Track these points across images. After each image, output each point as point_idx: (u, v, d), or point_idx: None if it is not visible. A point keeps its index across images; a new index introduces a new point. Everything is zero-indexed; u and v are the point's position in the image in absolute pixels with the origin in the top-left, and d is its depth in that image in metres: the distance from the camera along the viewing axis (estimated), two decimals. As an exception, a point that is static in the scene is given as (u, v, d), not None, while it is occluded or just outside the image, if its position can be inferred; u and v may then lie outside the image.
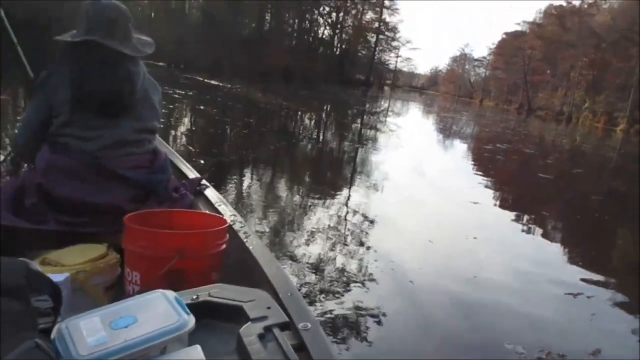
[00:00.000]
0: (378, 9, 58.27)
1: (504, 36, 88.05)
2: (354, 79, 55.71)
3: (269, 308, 1.00)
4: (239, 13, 33.96)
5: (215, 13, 35.80)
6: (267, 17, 41.98)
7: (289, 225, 4.04)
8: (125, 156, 1.65)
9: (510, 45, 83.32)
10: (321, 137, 11.15)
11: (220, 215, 1.62)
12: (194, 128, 9.36)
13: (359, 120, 16.33)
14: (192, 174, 2.16)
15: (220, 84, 18.69)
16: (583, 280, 3.75)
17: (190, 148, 6.84)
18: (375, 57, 62.89)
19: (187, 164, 2.28)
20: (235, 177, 5.71)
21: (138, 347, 0.77)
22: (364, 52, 61.96)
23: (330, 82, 40.10)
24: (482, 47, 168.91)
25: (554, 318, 3.05)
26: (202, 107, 11.67)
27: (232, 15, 32.86)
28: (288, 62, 34.17)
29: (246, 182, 5.59)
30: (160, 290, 0.92)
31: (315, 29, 53.98)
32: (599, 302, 3.41)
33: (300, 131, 11.64)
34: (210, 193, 1.95)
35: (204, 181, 2.04)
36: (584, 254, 4.78)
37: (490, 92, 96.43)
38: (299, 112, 15.50)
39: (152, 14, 34.80)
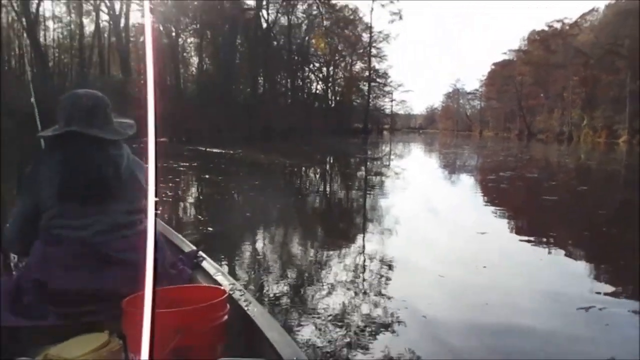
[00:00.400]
0: (366, 58, 59.73)
1: (493, 67, 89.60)
2: (352, 128, 56.50)
3: None
4: (232, 80, 34.97)
5: (209, 83, 36.95)
6: (260, 80, 43.16)
7: (304, 281, 4.06)
8: (119, 239, 1.66)
9: (500, 75, 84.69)
10: (327, 190, 11.29)
11: (220, 286, 1.62)
12: (201, 197, 9.61)
13: (363, 168, 16.55)
14: (187, 247, 2.15)
15: (223, 151, 19.10)
16: (597, 293, 3.81)
17: (199, 217, 7.07)
18: (370, 104, 63.97)
19: (182, 237, 2.27)
20: (244, 241, 5.76)
21: None
22: (358, 100, 63.12)
23: (329, 134, 40.72)
24: (473, 80, 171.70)
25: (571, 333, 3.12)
26: (207, 176, 11.96)
27: (226, 83, 33.84)
28: (286, 121, 34.88)
29: (257, 244, 5.67)
30: None
31: (308, 85, 55.39)
32: (616, 314, 3.45)
33: (306, 186, 11.79)
34: (208, 265, 1.95)
35: (200, 253, 2.04)
36: (594, 270, 4.82)
37: (488, 122, 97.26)
38: (303, 168, 15.73)
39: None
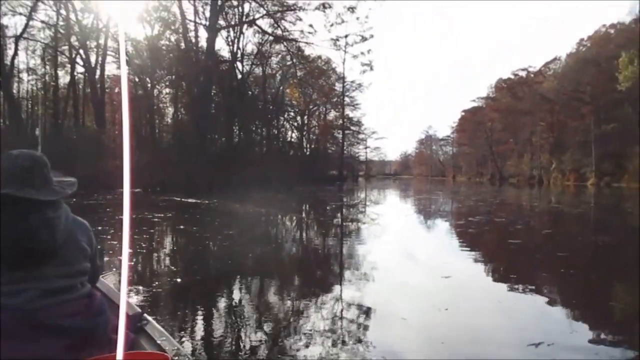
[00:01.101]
0: (340, 107, 60.95)
1: (463, 113, 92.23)
2: (328, 175, 57.05)
3: None
4: (207, 130, 35.23)
5: (184, 133, 37.14)
6: (235, 130, 43.55)
7: (280, 332, 4.06)
8: (58, 305, 1.58)
9: (471, 121, 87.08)
10: (303, 238, 11.34)
11: (163, 353, 1.57)
12: (175, 248, 9.56)
13: (338, 215, 16.66)
14: (132, 310, 2.07)
15: (198, 201, 19.05)
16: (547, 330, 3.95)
17: (172, 267, 7.04)
18: (345, 151, 64.93)
19: (126, 299, 2.21)
20: (216, 291, 5.76)
21: None
22: (333, 148, 64.04)
23: (305, 181, 40.99)
24: (444, 126, 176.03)
25: None
26: (181, 227, 11.92)
27: (201, 133, 34.06)
28: (261, 169, 35.07)
29: (230, 294, 5.69)
30: None
31: (284, 133, 56.10)
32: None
33: (282, 235, 11.84)
34: (152, 328, 1.88)
35: (145, 315, 1.98)
36: (549, 307, 4.99)
37: (461, 167, 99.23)
38: (279, 216, 15.78)
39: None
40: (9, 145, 25.00)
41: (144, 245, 8.75)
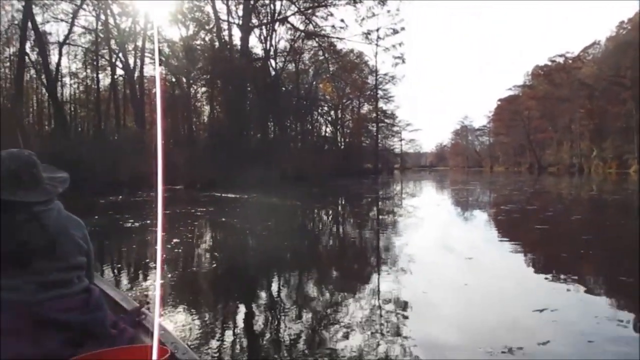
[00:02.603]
0: (373, 100, 60.89)
1: (499, 102, 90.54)
2: (363, 169, 57.07)
3: None
4: (243, 127, 35.88)
5: (220, 131, 37.95)
6: (270, 126, 44.15)
7: (319, 322, 4.09)
8: (56, 299, 1.59)
9: (507, 110, 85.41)
10: (339, 230, 11.63)
11: (163, 346, 1.59)
12: (217, 238, 10.06)
13: (374, 208, 16.84)
14: (130, 305, 2.08)
15: (237, 196, 19.59)
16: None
17: (215, 254, 7.46)
18: (380, 144, 64.76)
19: (124, 294, 2.23)
20: (256, 278, 6.18)
21: None
22: (367, 141, 63.96)
23: (340, 175, 41.24)
24: (480, 116, 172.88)
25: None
26: (223, 219, 12.42)
27: (236, 130, 34.75)
28: (297, 164, 35.51)
29: (269, 281, 6.05)
30: None
31: (318, 128, 56.44)
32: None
33: (319, 227, 12.15)
34: (151, 322, 1.87)
35: (143, 310, 1.99)
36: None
37: (498, 157, 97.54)
38: (315, 210, 16.10)
39: (162, 142, 36.86)
40: (57, 146, 26.18)
41: (189, 235, 9.26)
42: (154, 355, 1.26)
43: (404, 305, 4.50)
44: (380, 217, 13.46)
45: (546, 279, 5.50)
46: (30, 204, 1.62)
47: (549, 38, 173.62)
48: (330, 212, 15.84)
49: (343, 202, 20.11)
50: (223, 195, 20.07)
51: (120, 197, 19.51)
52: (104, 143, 31.30)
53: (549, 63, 74.20)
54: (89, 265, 1.83)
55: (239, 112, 35.47)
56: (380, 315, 4.20)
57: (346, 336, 3.73)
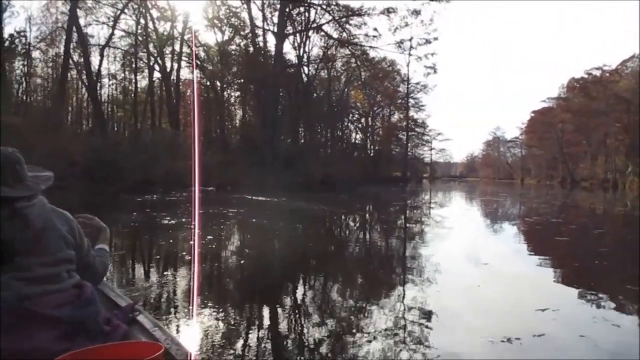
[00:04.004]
0: (404, 109, 61.04)
1: (533, 114, 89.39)
2: (392, 177, 57.22)
3: None
4: (273, 132, 36.57)
5: (251, 136, 38.81)
6: (301, 131, 44.84)
7: (343, 329, 4.13)
8: (46, 294, 1.58)
9: (541, 122, 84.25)
10: (366, 237, 11.86)
11: (156, 342, 1.60)
12: (248, 236, 10.63)
13: (401, 216, 16.95)
14: (123, 301, 2.09)
15: (267, 199, 20.18)
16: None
17: (246, 250, 7.97)
18: (409, 153, 64.84)
19: (117, 291, 2.25)
20: (282, 276, 6.66)
21: None
22: (397, 150, 64.12)
23: (368, 182, 41.54)
24: (512, 127, 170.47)
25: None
26: (254, 220, 12.99)
27: (268, 135, 35.47)
28: (326, 170, 36.00)
29: (295, 282, 6.54)
30: None
31: (348, 135, 56.96)
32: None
33: (345, 233, 12.46)
34: (144, 319, 1.90)
35: (137, 306, 1.99)
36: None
37: (529, 170, 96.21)
38: (342, 216, 16.44)
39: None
40: (95, 145, 27.26)
41: (222, 233, 9.83)
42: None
43: (416, 301, 4.89)
44: (407, 225, 13.77)
45: (555, 284, 5.98)
46: (12, 200, 1.62)
47: (586, 51, 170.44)
48: (357, 218, 16.23)
49: (370, 209, 20.46)
50: (253, 197, 20.67)
51: (155, 196, 20.30)
52: (140, 143, 32.37)
53: (586, 76, 72.99)
54: (84, 263, 1.83)
55: (271, 117, 36.23)
56: (404, 321, 4.27)
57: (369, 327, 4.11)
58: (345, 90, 52.61)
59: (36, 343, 1.48)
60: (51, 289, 1.59)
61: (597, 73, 70.54)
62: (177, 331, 3.86)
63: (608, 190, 50.41)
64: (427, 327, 4.09)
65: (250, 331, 4.05)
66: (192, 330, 4.03)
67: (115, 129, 42.44)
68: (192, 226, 9.60)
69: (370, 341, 3.75)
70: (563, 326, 4.11)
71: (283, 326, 4.29)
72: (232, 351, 3.53)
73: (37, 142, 19.77)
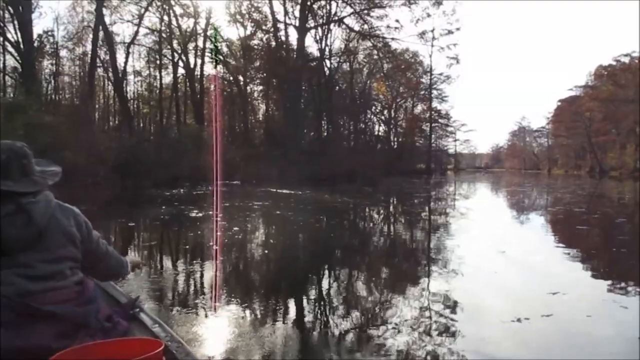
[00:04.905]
0: (428, 100, 60.70)
1: (559, 103, 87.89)
2: (415, 169, 57.00)
3: None
4: (296, 126, 36.88)
5: (274, 130, 39.22)
6: (323, 124, 45.05)
7: (367, 321, 4.19)
8: (47, 291, 1.57)
9: (568, 111, 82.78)
10: (390, 229, 11.93)
11: (156, 339, 1.60)
12: (273, 227, 10.96)
13: (426, 208, 16.87)
14: (124, 298, 2.10)
15: (291, 192, 20.50)
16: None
17: (270, 241, 8.28)
18: (433, 144, 64.48)
19: (118, 288, 2.24)
20: (304, 267, 6.93)
21: None
22: (421, 141, 63.80)
23: (392, 174, 41.58)
24: (538, 117, 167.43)
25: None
26: (278, 212, 13.33)
27: (290, 128, 35.80)
28: (349, 163, 36.18)
29: (318, 273, 6.79)
30: None
31: (371, 127, 56.95)
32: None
33: (369, 225, 12.59)
34: (145, 316, 1.91)
35: (137, 304, 2.00)
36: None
37: (556, 160, 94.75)
38: (366, 208, 16.51)
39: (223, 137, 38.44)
40: (122, 140, 27.97)
41: (247, 226, 10.19)
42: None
43: (439, 289, 5.12)
44: (431, 217, 13.89)
45: (569, 270, 6.18)
46: (17, 195, 1.60)
47: (613, 37, 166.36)
48: (381, 210, 16.42)
49: (394, 202, 20.58)
50: (277, 190, 21.02)
51: (182, 190, 20.82)
52: (165, 139, 33.05)
53: (614, 63, 71.42)
54: (95, 259, 1.82)
55: (294, 111, 36.55)
56: (428, 311, 4.34)
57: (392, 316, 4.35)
58: (368, 82, 52.59)
59: (36, 339, 1.48)
60: (53, 286, 1.58)
61: (626, 60, 68.95)
62: (199, 322, 4.03)
63: (638, 179, 49.42)
64: (448, 316, 4.21)
65: (273, 322, 4.10)
66: (214, 321, 4.14)
67: (141, 125, 43.19)
68: (215, 219, 9.88)
69: (396, 332, 3.77)
70: (571, 308, 4.36)
71: (306, 317, 4.34)
72: (253, 342, 3.59)
73: (68, 140, 20.46)
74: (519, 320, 3.91)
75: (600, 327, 3.77)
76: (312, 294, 5.35)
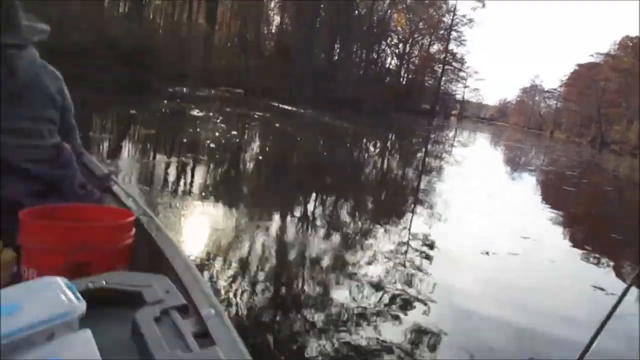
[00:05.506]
0: (445, 40, 59.28)
1: (577, 67, 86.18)
2: (420, 109, 56.60)
3: (167, 292, 0.95)
4: (310, 44, 36.13)
5: (286, 44, 38.36)
6: (336, 48, 44.13)
7: (346, 247, 4.26)
8: (25, 148, 1.55)
9: (584, 77, 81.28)
10: (383, 163, 11.82)
11: (128, 210, 1.60)
12: (271, 137, 11.18)
13: (423, 150, 16.70)
14: (99, 170, 2.07)
15: (294, 109, 20.47)
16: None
17: (266, 149, 8.43)
18: (442, 87, 63.70)
19: (94, 160, 2.21)
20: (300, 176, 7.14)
21: (19, 334, 0.73)
22: (430, 82, 62.95)
23: (396, 111, 41.35)
24: (553, 78, 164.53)
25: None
26: (277, 125, 13.44)
27: (304, 45, 35.08)
28: (356, 91, 35.83)
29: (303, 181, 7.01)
30: (49, 277, 0.87)
31: (383, 59, 55.85)
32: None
33: (364, 155, 12.54)
34: (119, 189, 1.90)
35: (112, 177, 1.97)
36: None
37: (561, 124, 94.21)
38: (364, 139, 16.41)
39: (228, 44, 37.63)
40: (131, 30, 27.29)
41: (245, 132, 10.36)
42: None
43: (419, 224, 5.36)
44: (425, 159, 13.82)
45: (545, 219, 6.65)
46: (3, 49, 1.52)
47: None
48: (379, 143, 16.43)
49: (393, 137, 20.58)
50: (280, 105, 20.97)
51: (185, 89, 20.68)
52: (175, 35, 32.27)
53: (641, 35, 69.33)
54: (66, 125, 1.77)
55: (309, 28, 35.62)
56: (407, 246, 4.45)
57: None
58: (389, 12, 51.01)
59: (8, 193, 1.46)
60: (30, 144, 1.55)
61: (655, 34, 66.86)
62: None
63: (636, 156, 49.49)
64: (424, 252, 4.30)
65: (253, 229, 4.17)
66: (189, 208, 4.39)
67: (152, 16, 42.02)
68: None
69: (370, 262, 3.84)
70: (537, 251, 4.75)
71: (287, 230, 4.41)
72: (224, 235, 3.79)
73: (77, 21, 19.96)
74: (487, 253, 4.27)
75: (556, 266, 4.07)
76: (295, 208, 5.43)
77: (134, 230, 1.37)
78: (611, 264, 4.89)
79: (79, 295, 0.83)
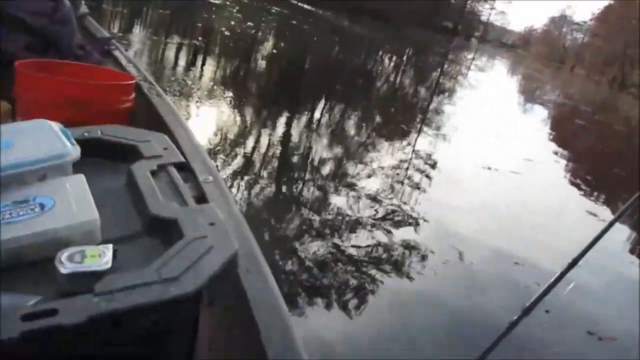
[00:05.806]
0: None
1: (612, 2, 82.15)
2: (442, 26, 54.52)
3: (165, 149, 0.92)
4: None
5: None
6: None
7: (343, 156, 4.21)
8: (27, 1, 1.50)
9: (618, 13, 77.76)
10: (396, 78, 11.52)
11: (128, 73, 1.55)
12: (287, 33, 10.97)
13: (438, 70, 16.15)
14: (100, 34, 2.01)
15: (312, 9, 19.73)
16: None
17: (281, 43, 8.19)
18: (468, 5, 60.97)
19: (96, 24, 2.13)
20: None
21: (11, 170, 0.70)
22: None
23: (417, 25, 39.81)
24: (585, 11, 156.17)
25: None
26: (293, 22, 13.06)
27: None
28: (377, 2, 34.27)
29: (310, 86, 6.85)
30: (43, 120, 0.83)
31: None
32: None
33: (378, 68, 12.25)
34: (120, 55, 1.84)
35: (113, 41, 1.91)
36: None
37: (584, 60, 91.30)
38: (380, 51, 15.85)
39: None
40: None
41: (262, 26, 10.08)
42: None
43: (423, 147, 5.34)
44: (440, 79, 13.45)
45: (544, 150, 6.64)
46: None
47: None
48: (394, 57, 15.91)
49: (410, 52, 19.91)
50: (299, 4, 20.19)
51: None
52: None
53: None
54: None
55: None
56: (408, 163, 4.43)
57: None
58: None
59: (4, 44, 1.42)
60: None
61: None
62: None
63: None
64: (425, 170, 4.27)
65: (259, 129, 4.15)
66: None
67: None
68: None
69: (370, 175, 3.78)
70: (539, 173, 4.98)
71: (292, 132, 4.36)
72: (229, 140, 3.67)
73: None
74: (489, 168, 4.50)
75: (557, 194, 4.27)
76: (302, 113, 5.34)
77: (133, 94, 1.34)
78: (606, 196, 5.14)
79: (73, 141, 0.80)
